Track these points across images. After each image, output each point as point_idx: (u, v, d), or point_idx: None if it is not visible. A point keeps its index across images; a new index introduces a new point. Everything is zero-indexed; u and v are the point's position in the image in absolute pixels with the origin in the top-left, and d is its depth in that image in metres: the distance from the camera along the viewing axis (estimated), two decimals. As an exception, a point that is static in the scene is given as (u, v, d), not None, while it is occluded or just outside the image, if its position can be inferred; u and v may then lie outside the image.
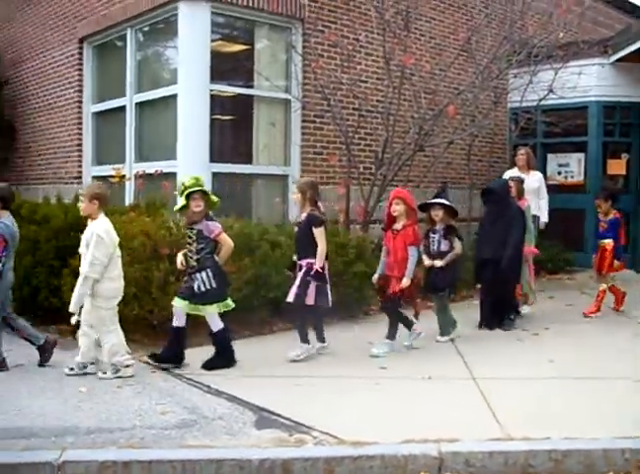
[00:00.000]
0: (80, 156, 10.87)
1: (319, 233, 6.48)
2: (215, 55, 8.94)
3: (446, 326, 7.40)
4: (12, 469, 4.19)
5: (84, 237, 6.07)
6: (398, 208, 6.83)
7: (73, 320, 6.02)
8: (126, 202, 9.30)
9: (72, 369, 6.11)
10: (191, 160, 8.65)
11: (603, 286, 8.61)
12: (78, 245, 6.22)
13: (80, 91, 10.90)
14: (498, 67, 10.05)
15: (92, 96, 10.89)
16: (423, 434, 4.43)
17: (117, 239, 6.10)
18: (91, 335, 6.10)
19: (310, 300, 6.44)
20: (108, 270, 5.97)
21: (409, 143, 9.31)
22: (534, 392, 5.49)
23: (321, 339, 6.83)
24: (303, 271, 6.48)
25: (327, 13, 9.81)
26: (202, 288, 6.16)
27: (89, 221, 6.08)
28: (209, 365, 6.20)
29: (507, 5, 10.65)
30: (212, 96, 8.88)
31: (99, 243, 5.90)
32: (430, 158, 10.22)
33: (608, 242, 8.55)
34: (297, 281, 6.49)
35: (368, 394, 5.47)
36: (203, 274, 6.17)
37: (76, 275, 6.62)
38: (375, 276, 7.02)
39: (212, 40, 8.94)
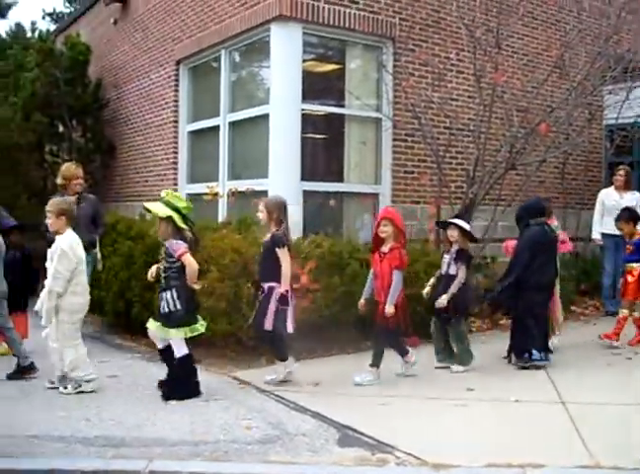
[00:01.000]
0: (175, 174, 11.17)
1: (282, 254, 6.21)
2: (307, 75, 9.05)
3: (463, 355, 7.00)
4: (104, 476, 4.34)
5: (49, 251, 6.16)
6: (386, 230, 6.48)
7: (43, 334, 6.16)
8: (219, 219, 9.48)
9: (52, 383, 6.24)
10: (282, 178, 8.75)
11: (625, 313, 7.98)
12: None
13: (176, 111, 11.22)
14: (592, 84, 9.81)
15: (187, 116, 11.18)
16: (507, 458, 4.34)
17: (81, 254, 6.18)
18: (58, 349, 6.12)
19: (268, 325, 6.16)
20: (71, 284, 6.05)
21: (500, 162, 9.18)
22: (627, 419, 5.30)
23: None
24: (264, 295, 6.24)
25: (418, 32, 9.81)
26: (166, 309, 5.94)
27: (56, 236, 6.16)
28: (166, 394, 5.91)
29: (601, 20, 10.40)
30: (304, 115, 8.98)
31: (62, 257, 6.00)
32: (522, 177, 10.04)
33: (636, 266, 8.00)
34: (259, 306, 6.28)
35: (453, 415, 5.40)
36: (168, 293, 5.95)
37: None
38: (361, 301, 6.67)
39: (304, 60, 9.05)
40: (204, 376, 6.29)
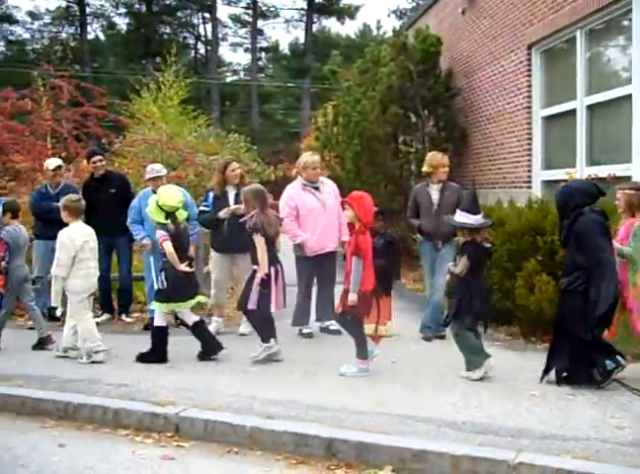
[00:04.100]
0: (529, 161, 11.04)
1: (256, 240, 6.77)
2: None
3: (470, 360, 6.28)
4: (471, 461, 4.48)
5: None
6: (348, 214, 6.50)
7: (58, 312, 7.23)
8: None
9: (58, 351, 7.36)
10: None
11: None
12: (532, 249, 6.40)
13: (529, 96, 11.07)
14: None
15: (541, 101, 10.98)
16: None
17: (80, 243, 7.07)
18: (70, 323, 7.26)
19: (252, 304, 6.77)
20: (73, 269, 7.06)
21: None
22: None
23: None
24: (249, 277, 6.94)
25: None
26: (158, 286, 7.14)
27: None
28: (141, 358, 7.04)
29: None
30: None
31: (62, 247, 7.06)
32: None
33: None
34: (244, 287, 7.00)
35: None
36: (162, 274, 7.06)
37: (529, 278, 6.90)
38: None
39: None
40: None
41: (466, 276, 6.26)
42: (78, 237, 7.17)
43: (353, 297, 6.29)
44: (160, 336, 7.14)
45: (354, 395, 5.80)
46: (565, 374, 6.01)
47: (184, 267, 7.08)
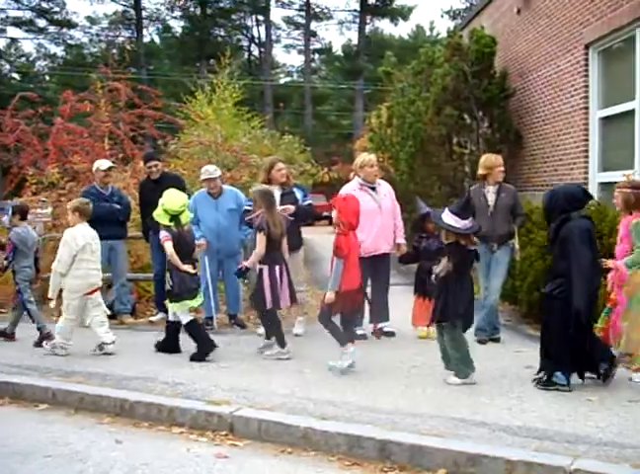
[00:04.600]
0: (586, 162, 10.84)
1: (258, 239, 7.07)
2: None
3: (458, 366, 6.24)
4: (526, 467, 4.42)
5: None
6: (333, 215, 6.68)
7: (52, 304, 7.74)
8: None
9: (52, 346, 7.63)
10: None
11: None
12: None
13: (586, 97, 10.88)
14: None
15: (598, 101, 10.80)
16: None
17: (82, 244, 7.42)
18: (100, 318, 7.61)
19: (268, 304, 7.09)
20: (72, 268, 7.42)
21: None
22: None
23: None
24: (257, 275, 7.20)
25: None
26: (168, 286, 7.32)
27: None
28: (195, 357, 7.16)
29: None
30: None
31: (64, 244, 7.46)
32: None
33: None
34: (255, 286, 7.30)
35: None
36: (168, 274, 7.31)
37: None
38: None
39: None
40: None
41: (449, 278, 6.21)
42: (80, 237, 7.51)
43: (329, 295, 6.57)
44: (196, 329, 7.38)
45: (407, 397, 5.79)
46: (549, 377, 6.01)
47: (187, 267, 7.30)
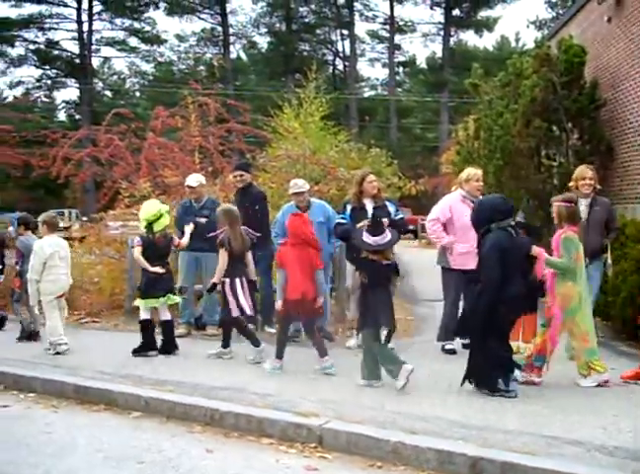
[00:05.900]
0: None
1: (220, 254, 7.70)
2: None
3: (365, 368, 6.61)
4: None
5: None
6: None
7: (36, 310, 8.60)
8: None
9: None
10: None
11: None
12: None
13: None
14: None
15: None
16: None
17: (49, 252, 8.20)
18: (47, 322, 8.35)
19: (235, 312, 7.68)
20: (44, 274, 8.20)
21: None
22: None
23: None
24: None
25: None
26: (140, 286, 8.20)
27: None
28: (135, 350, 8.02)
29: None
30: None
31: (35, 254, 8.26)
32: None
33: None
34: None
35: None
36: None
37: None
38: None
39: None
40: None
41: (364, 291, 6.67)
42: (47, 247, 8.32)
43: (277, 304, 7.31)
44: (145, 328, 8.10)
45: (499, 414, 5.70)
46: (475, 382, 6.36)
47: (154, 269, 8.02)
